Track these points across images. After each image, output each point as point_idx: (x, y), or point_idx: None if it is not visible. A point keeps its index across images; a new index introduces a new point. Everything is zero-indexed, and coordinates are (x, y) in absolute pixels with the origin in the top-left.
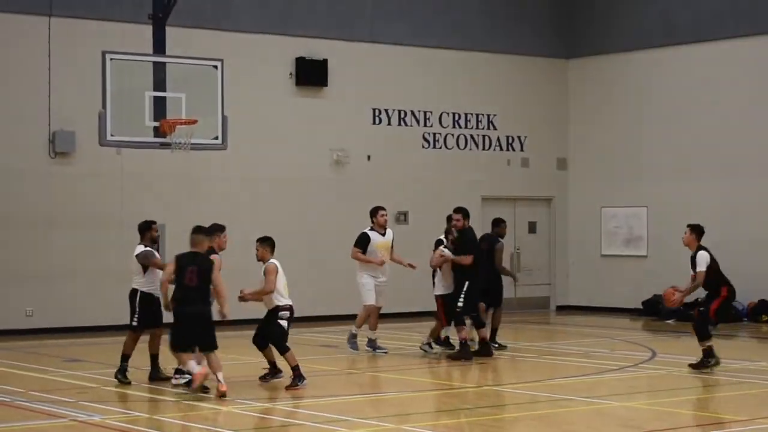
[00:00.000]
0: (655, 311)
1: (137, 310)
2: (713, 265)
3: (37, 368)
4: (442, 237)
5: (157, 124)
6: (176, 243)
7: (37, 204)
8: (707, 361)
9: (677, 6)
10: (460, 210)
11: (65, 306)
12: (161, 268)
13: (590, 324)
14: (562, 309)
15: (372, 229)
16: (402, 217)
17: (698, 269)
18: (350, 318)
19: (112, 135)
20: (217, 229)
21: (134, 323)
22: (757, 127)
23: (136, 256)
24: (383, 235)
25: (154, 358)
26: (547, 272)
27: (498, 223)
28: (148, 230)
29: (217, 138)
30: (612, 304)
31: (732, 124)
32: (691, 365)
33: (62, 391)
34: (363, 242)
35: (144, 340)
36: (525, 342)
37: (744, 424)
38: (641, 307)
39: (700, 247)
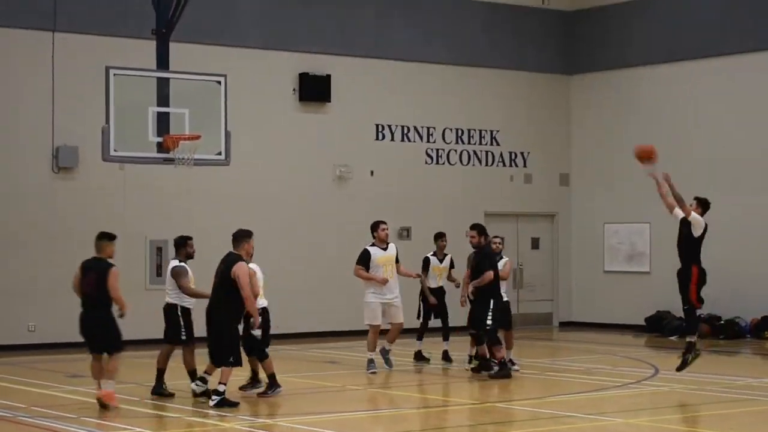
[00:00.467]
0: (658, 328)
1: (182, 323)
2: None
3: (39, 383)
4: (430, 255)
5: (160, 139)
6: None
7: (40, 219)
8: (687, 357)
9: (680, 22)
10: (475, 226)
11: (67, 321)
12: (186, 289)
13: (593, 340)
14: (565, 325)
15: (373, 244)
16: (405, 233)
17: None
18: (353, 334)
19: (115, 150)
20: (245, 235)
21: (183, 337)
22: (761, 143)
23: (171, 270)
24: (385, 249)
25: (192, 373)
26: (549, 288)
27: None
28: (183, 246)
29: (220, 153)
30: (614, 320)
31: (735, 140)
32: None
33: (64, 406)
34: (364, 259)
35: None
36: (527, 358)
37: None
38: (644, 323)
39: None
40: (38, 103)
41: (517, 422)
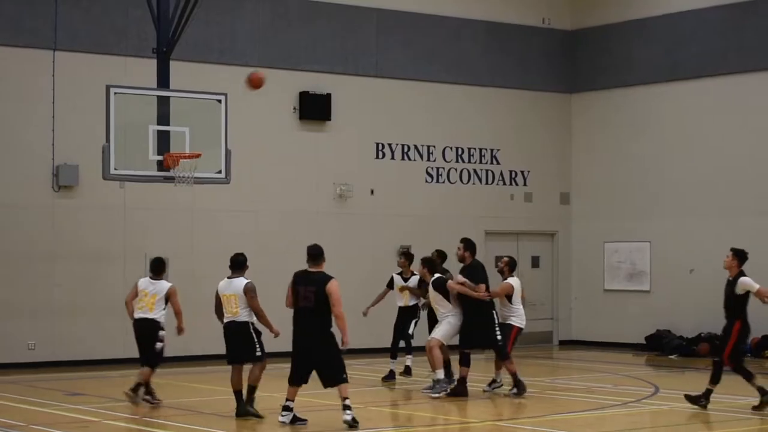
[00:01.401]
0: (658, 346)
1: (256, 340)
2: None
3: (39, 402)
4: (395, 274)
5: (160, 157)
6: (180, 277)
7: (41, 237)
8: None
9: (680, 42)
10: (463, 240)
11: (67, 339)
12: (258, 307)
13: (593, 359)
14: (565, 344)
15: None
16: (404, 252)
17: (751, 288)
18: (356, 352)
19: (115, 169)
20: (322, 253)
21: (258, 354)
22: (760, 164)
23: (245, 287)
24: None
25: (252, 389)
26: (549, 307)
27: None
28: (245, 263)
29: (220, 172)
30: (615, 339)
31: (735, 160)
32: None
33: (63, 425)
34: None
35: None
36: (528, 377)
37: None
38: (644, 342)
39: (741, 273)
40: (39, 122)
41: None
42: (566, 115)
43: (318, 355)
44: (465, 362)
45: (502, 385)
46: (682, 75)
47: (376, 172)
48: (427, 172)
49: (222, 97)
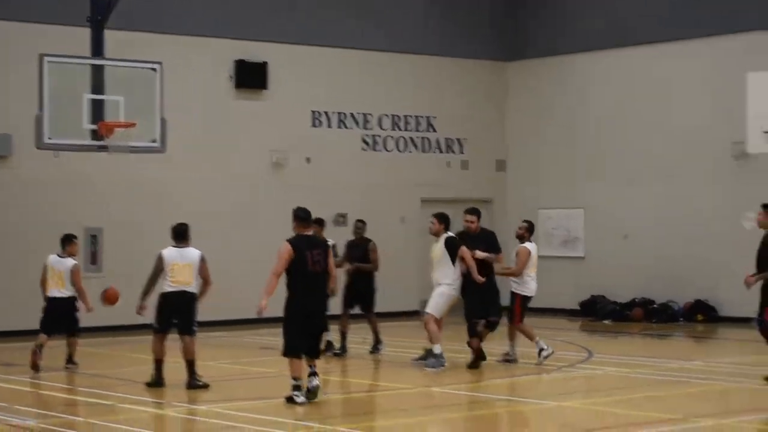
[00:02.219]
0: (592, 312)
1: (195, 314)
2: None
3: None
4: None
5: (95, 126)
6: (115, 246)
7: None
8: None
9: (617, 9)
10: (474, 211)
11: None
12: (209, 276)
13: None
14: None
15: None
16: (341, 220)
17: None
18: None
19: (49, 138)
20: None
21: (195, 328)
22: (695, 130)
23: (200, 258)
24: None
25: (192, 363)
26: None
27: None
28: (188, 232)
29: (155, 141)
30: (549, 304)
31: (668, 126)
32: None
33: None
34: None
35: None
36: (464, 343)
37: (678, 423)
38: (578, 307)
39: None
40: None
41: (453, 405)
42: (502, 83)
43: (324, 322)
44: (474, 333)
45: (516, 360)
46: (617, 43)
47: (313, 140)
48: (364, 141)
49: (157, 66)
